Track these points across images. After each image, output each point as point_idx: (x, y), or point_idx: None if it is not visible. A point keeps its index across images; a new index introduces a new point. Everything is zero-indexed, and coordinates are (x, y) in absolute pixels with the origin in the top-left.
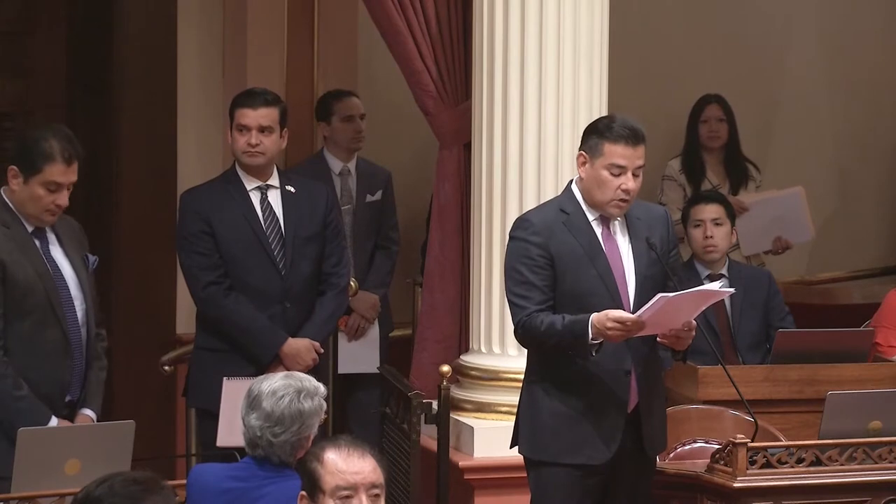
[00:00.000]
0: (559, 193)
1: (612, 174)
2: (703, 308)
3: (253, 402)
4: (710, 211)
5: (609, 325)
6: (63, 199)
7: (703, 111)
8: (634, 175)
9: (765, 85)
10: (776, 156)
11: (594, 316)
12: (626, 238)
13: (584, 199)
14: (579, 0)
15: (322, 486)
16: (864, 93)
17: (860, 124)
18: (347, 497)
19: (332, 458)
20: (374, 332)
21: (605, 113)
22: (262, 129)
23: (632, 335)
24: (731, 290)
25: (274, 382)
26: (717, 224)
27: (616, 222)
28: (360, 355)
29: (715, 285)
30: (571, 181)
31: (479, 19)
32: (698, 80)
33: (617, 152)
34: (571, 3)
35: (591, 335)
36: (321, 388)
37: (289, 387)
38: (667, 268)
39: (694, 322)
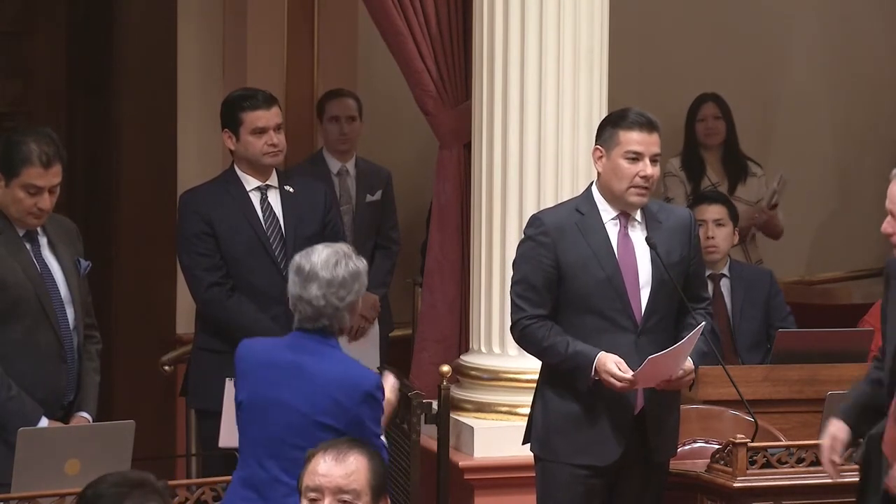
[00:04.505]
0: (567, 194)
1: (629, 161)
2: (691, 350)
3: (308, 275)
4: (713, 212)
5: (603, 374)
6: (45, 201)
7: (700, 110)
8: (652, 161)
9: (765, 84)
10: (776, 155)
11: (599, 357)
12: (644, 240)
13: (603, 196)
14: (579, 0)
15: (300, 483)
16: (864, 91)
17: (860, 124)
18: (314, 499)
19: (314, 458)
20: (374, 331)
21: (605, 113)
22: (277, 128)
23: (625, 390)
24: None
25: (321, 254)
26: (720, 225)
27: (636, 223)
28: (360, 355)
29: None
30: (592, 183)
31: (479, 19)
32: (698, 80)
33: (632, 139)
34: (571, 3)
35: (592, 372)
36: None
37: (336, 252)
38: (671, 277)
39: (692, 367)
